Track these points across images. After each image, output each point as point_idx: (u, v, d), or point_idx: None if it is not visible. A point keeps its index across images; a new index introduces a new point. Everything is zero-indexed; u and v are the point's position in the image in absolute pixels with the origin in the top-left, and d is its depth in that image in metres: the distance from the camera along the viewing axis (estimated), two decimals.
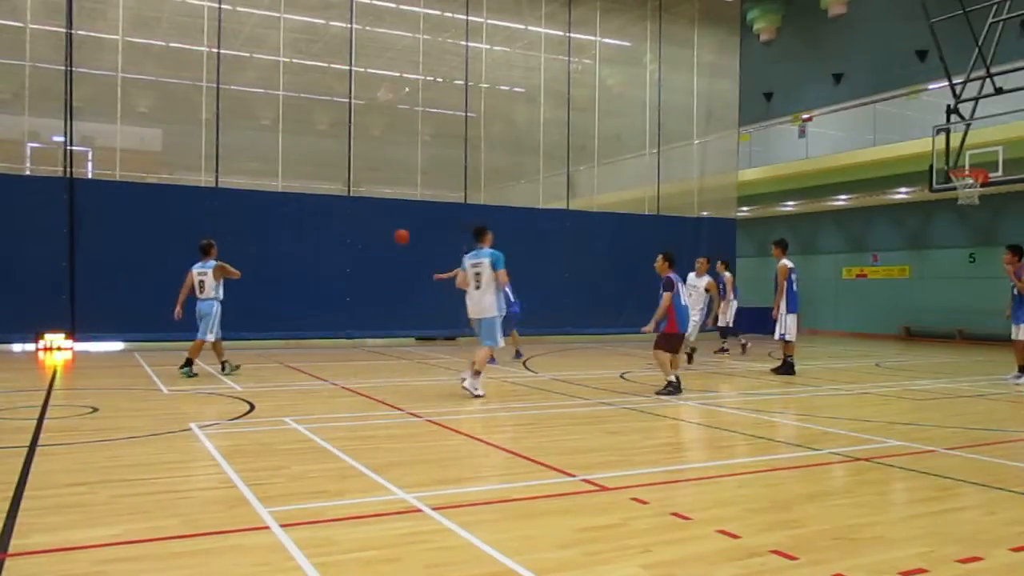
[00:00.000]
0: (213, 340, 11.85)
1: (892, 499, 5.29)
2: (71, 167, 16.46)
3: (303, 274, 17.47)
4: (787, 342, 12.81)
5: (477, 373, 9.66)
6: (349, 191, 19.09)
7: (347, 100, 19.05)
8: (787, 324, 12.69)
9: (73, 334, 16.04)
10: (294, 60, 19.48)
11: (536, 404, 9.41)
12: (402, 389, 10.57)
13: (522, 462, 6.03)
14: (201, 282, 11.77)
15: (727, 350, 16.88)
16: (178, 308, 11.73)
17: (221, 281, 11.85)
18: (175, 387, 10.33)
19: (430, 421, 7.83)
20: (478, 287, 9.89)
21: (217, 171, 17.75)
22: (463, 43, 20.54)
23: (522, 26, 21.98)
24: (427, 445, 6.76)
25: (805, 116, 23.57)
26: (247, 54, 19.13)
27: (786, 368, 12.80)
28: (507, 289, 14.69)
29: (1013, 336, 12.11)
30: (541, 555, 3.90)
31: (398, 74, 21.57)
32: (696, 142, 23.97)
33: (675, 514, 4.60)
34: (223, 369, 11.99)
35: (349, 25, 19.09)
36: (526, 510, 4.72)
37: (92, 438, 6.87)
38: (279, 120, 18.78)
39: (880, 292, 24.57)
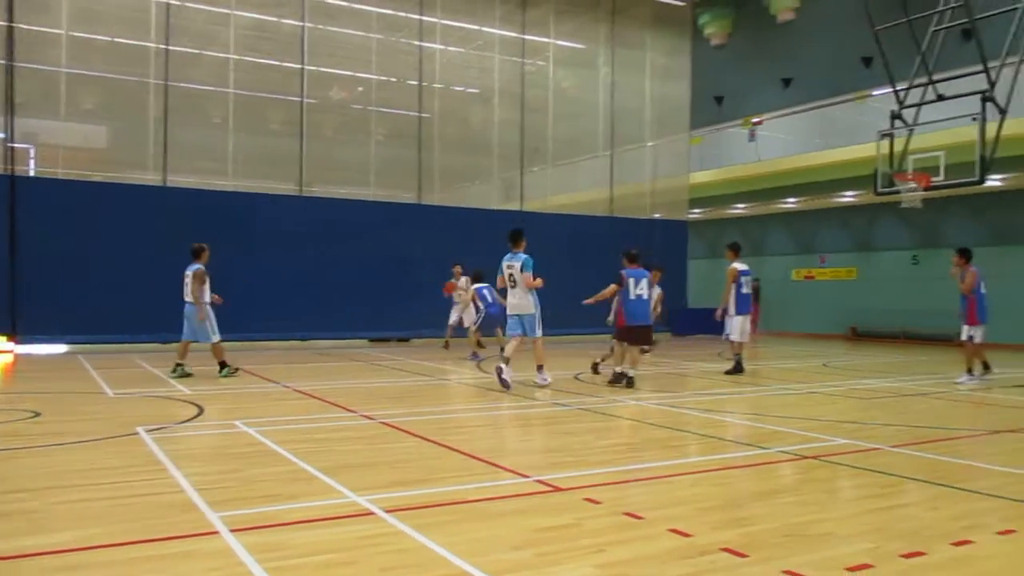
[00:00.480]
0: (214, 341, 11.69)
1: (839, 496, 5.40)
2: (12, 164, 16.02)
3: (254, 274, 17.23)
4: (734, 342, 13.03)
5: (540, 366, 10.83)
6: (301, 190, 18.90)
7: (299, 99, 18.85)
8: (734, 325, 12.92)
9: (14, 336, 15.61)
10: (245, 58, 19.21)
11: (490, 405, 9.42)
12: (355, 391, 10.48)
13: (476, 463, 6.03)
14: (186, 284, 11.70)
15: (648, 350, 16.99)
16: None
17: (204, 286, 11.63)
18: (121, 390, 10.11)
19: (384, 423, 7.78)
20: (514, 286, 10.89)
21: (165, 170, 17.43)
22: (417, 43, 20.47)
23: (476, 27, 21.98)
24: (381, 447, 6.72)
25: (755, 120, 23.94)
26: (197, 51, 18.79)
27: (735, 368, 12.99)
28: (485, 291, 14.86)
29: (962, 337, 12.41)
30: (495, 556, 3.90)
31: (351, 73, 21.39)
32: (649, 144, 24.22)
33: (628, 514, 4.63)
34: (220, 368, 11.74)
35: (301, 23, 18.89)
36: (480, 512, 4.71)
37: (35, 443, 6.69)
38: (230, 118, 18.51)
39: (828, 293, 25.08)
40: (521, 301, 10.86)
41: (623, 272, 11.06)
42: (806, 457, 6.39)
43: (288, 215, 18.07)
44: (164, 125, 17.41)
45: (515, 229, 11.20)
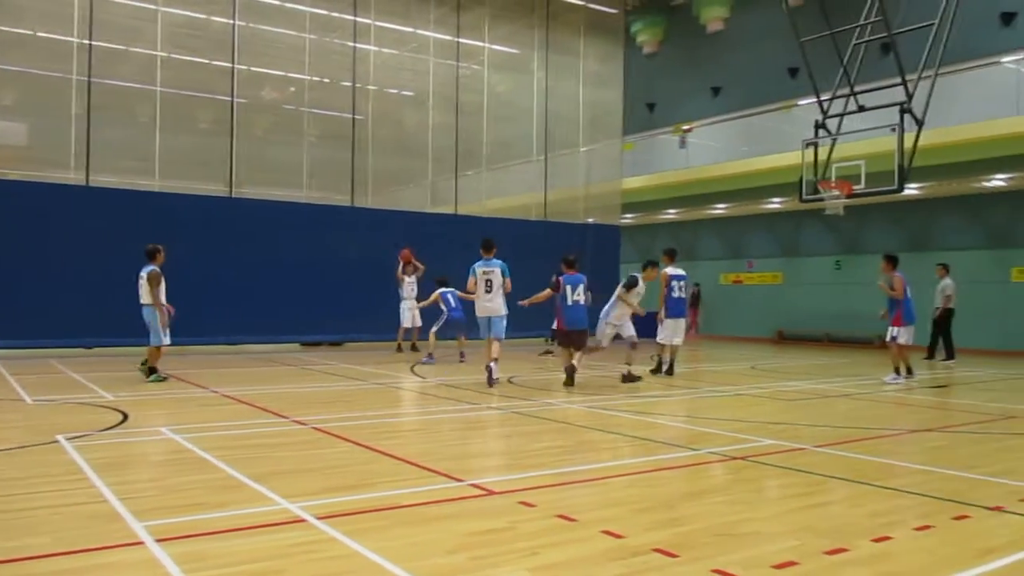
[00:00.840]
0: (162, 344, 11.45)
1: (766, 496, 5.53)
2: None
3: (182, 278, 16.71)
4: (663, 345, 13.36)
5: (496, 360, 11.41)
6: (231, 192, 18.51)
7: (230, 98, 18.48)
8: (664, 328, 13.24)
9: None
10: (173, 55, 18.73)
11: (424, 409, 9.38)
12: (287, 396, 10.31)
13: (409, 468, 6.00)
14: (140, 286, 11.45)
15: (552, 352, 17.24)
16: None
17: (160, 288, 11.37)
18: (40, 397, 9.75)
19: (316, 429, 7.68)
20: (489, 291, 11.66)
21: (88, 169, 16.87)
22: (351, 44, 20.27)
23: (411, 29, 21.88)
24: (312, 453, 6.63)
25: (686, 127, 24.39)
26: (122, 47, 18.25)
27: (657, 368, 13.44)
28: (450, 295, 14.93)
29: (887, 338, 13.05)
30: (429, 561, 3.89)
31: (283, 73, 21.06)
32: (582, 150, 24.44)
33: (562, 516, 4.67)
34: (149, 373, 11.45)
35: (232, 21, 18.53)
36: (413, 516, 4.69)
37: None
38: (156, 117, 18.01)
39: (756, 297, 25.69)
40: (497, 304, 11.70)
41: (560, 277, 11.46)
42: (735, 458, 6.54)
43: (217, 217, 17.68)
44: (87, 123, 16.85)
45: (487, 238, 12.08)
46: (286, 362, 15.49)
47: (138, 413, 8.50)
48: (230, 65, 18.50)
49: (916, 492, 5.41)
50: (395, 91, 22.38)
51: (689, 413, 9.46)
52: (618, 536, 4.29)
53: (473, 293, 11.96)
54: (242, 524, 4.43)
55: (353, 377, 12.79)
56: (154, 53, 18.20)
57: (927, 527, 4.58)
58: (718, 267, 27.28)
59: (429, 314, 15.90)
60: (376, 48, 21.32)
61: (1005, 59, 18.06)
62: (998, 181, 19.22)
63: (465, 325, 15.18)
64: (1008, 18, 19.34)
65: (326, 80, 20.83)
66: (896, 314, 12.86)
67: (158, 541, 4.09)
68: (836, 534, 4.42)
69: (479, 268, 11.73)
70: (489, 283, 11.64)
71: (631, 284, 12.02)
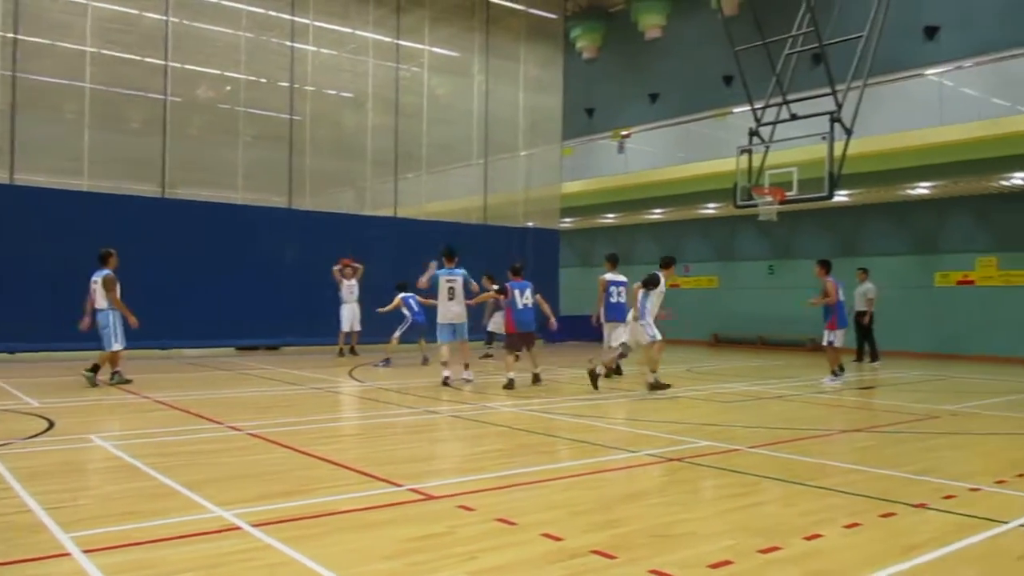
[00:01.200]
0: (115, 349, 11.35)
1: (702, 496, 5.63)
2: None
3: None
4: (610, 347, 13.49)
5: (467, 366, 12.28)
6: (164, 192, 18.08)
7: (163, 96, 18.06)
8: (604, 332, 13.53)
9: None
10: (103, 51, 18.21)
11: (363, 414, 9.29)
12: (222, 401, 10.11)
13: (347, 473, 5.94)
14: (94, 291, 11.29)
15: (492, 355, 17.34)
16: (85, 318, 11.37)
17: (116, 291, 11.27)
18: None
19: (251, 434, 7.54)
20: (452, 298, 12.16)
21: (12, 167, 16.29)
22: (288, 44, 20.00)
23: (350, 30, 21.69)
24: (248, 459, 6.51)
25: (624, 133, 24.68)
26: (49, 41, 17.67)
27: (610, 371, 13.61)
28: (412, 300, 15.13)
29: (824, 342, 13.38)
30: (366, 567, 3.85)
31: (218, 72, 20.64)
32: (522, 154, 24.54)
33: (501, 520, 4.67)
34: (90, 369, 11.29)
35: (165, 18, 18.11)
36: (351, 522, 4.64)
37: None
38: (85, 114, 17.49)
39: (692, 301, 26.08)
40: (461, 310, 12.24)
41: (508, 284, 12.03)
42: (671, 459, 6.63)
43: (149, 218, 17.24)
44: (11, 119, 16.28)
45: (449, 246, 12.51)
46: (221, 367, 15.19)
47: (65, 420, 8.23)
48: (163, 62, 18.09)
49: (845, 491, 5.57)
50: (334, 92, 22.14)
51: (627, 416, 9.56)
52: (557, 539, 4.32)
53: (433, 297, 12.58)
54: (174, 533, 4.33)
55: (290, 382, 12.60)
56: (83, 48, 17.68)
57: (856, 525, 4.71)
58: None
59: (392, 319, 15.70)
60: (314, 48, 21.06)
61: (928, 71, 18.74)
62: (922, 189, 19.91)
63: (427, 328, 15.14)
64: (931, 32, 20.05)
65: (263, 80, 20.51)
66: (832, 318, 13.23)
67: (86, 552, 3.97)
68: (769, 533, 4.52)
69: (443, 277, 12.22)
70: (452, 291, 12.17)
71: (653, 283, 11.78)
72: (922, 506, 5.18)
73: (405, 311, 15.43)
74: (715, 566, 3.93)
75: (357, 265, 17.53)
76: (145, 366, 14.84)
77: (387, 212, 21.52)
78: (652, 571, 3.84)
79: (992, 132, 16.35)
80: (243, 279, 18.14)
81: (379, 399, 10.56)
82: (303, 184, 20.36)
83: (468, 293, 13.57)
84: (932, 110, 17.60)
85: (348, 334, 17.53)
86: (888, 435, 8.22)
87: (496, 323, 17.17)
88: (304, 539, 4.25)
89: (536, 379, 12.04)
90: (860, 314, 17.43)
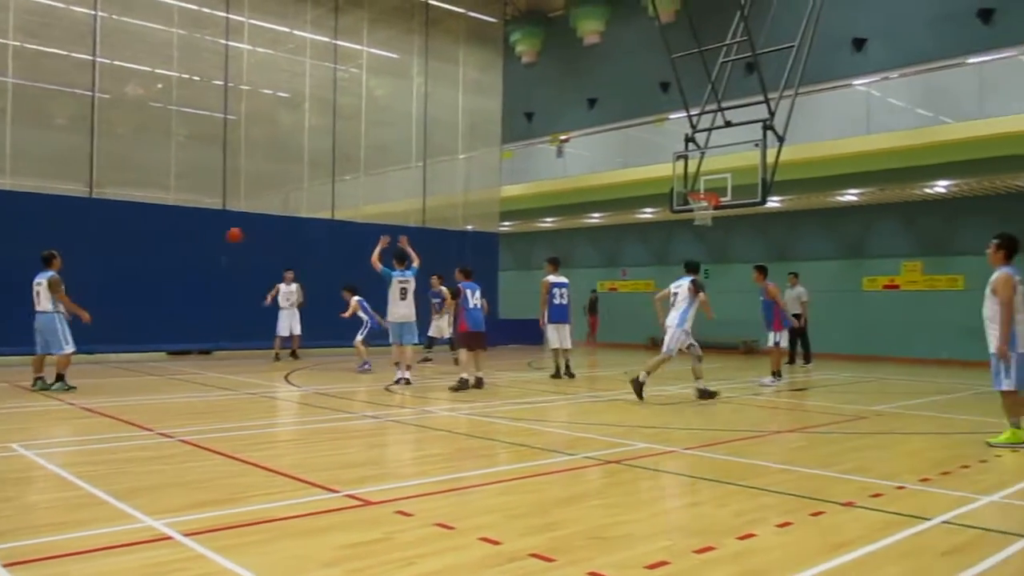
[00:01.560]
0: (66, 352, 11.11)
1: (639, 498, 5.69)
2: None
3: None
4: (554, 350, 13.95)
5: (410, 367, 12.66)
6: (91, 192, 17.54)
7: (90, 93, 17.52)
8: (546, 334, 13.85)
9: None
10: (26, 45, 17.60)
11: (299, 419, 9.15)
12: (152, 408, 9.85)
13: (283, 480, 5.84)
14: (37, 293, 11.00)
15: (431, 359, 17.38)
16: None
17: (62, 292, 11.02)
18: None
19: (184, 441, 7.36)
20: (404, 299, 12.58)
21: None
22: (223, 41, 19.61)
23: (287, 29, 21.38)
24: (180, 467, 6.35)
25: (563, 137, 24.86)
26: None
27: (551, 373, 13.98)
28: (365, 303, 15.21)
29: (771, 343, 13.71)
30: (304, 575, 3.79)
31: (150, 69, 20.11)
32: (461, 157, 24.52)
33: (439, 524, 4.65)
34: (55, 380, 11.13)
35: (93, 12, 17.57)
36: (287, 530, 4.56)
37: None
38: (7, 110, 16.85)
39: (630, 304, 26.38)
40: (411, 311, 12.65)
41: (460, 285, 12.39)
42: (609, 462, 6.69)
43: (75, 218, 16.69)
44: None
45: (400, 249, 12.86)
46: (151, 372, 14.79)
47: None
48: (91, 58, 17.55)
49: (778, 491, 5.69)
50: (270, 92, 21.79)
51: (566, 419, 9.62)
52: (495, 543, 4.31)
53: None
54: (102, 544, 4.19)
55: (224, 387, 12.34)
56: (4, 42, 17.05)
57: (788, 524, 4.81)
58: (594, 275, 27.88)
59: (352, 324, 15.40)
60: (250, 47, 20.71)
61: (857, 82, 19.32)
62: (851, 196, 20.51)
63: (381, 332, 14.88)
64: (860, 43, 20.69)
65: (196, 78, 20.07)
66: (776, 320, 13.54)
67: (7, 566, 3.81)
68: (704, 533, 4.59)
69: (396, 278, 12.63)
70: (404, 291, 12.61)
71: (703, 286, 11.93)
72: (850, 504, 5.32)
73: (363, 315, 15.22)
74: (652, 567, 3.97)
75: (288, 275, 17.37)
76: (71, 372, 14.35)
77: (324, 214, 21.25)
78: (590, 573, 3.86)
79: (917, 141, 16.96)
80: (174, 282, 17.71)
81: (316, 404, 10.42)
82: (238, 185, 19.98)
83: (440, 305, 14.57)
84: (860, 119, 18.18)
85: (287, 338, 17.26)
86: (819, 435, 8.43)
87: (438, 327, 17.11)
88: (239, 548, 4.17)
89: (479, 383, 12.08)
90: (795, 316, 17.85)
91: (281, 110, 22.28)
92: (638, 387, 10.93)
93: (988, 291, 7.44)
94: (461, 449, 7.46)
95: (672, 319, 11.68)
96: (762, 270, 13.95)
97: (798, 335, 18.02)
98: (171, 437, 7.57)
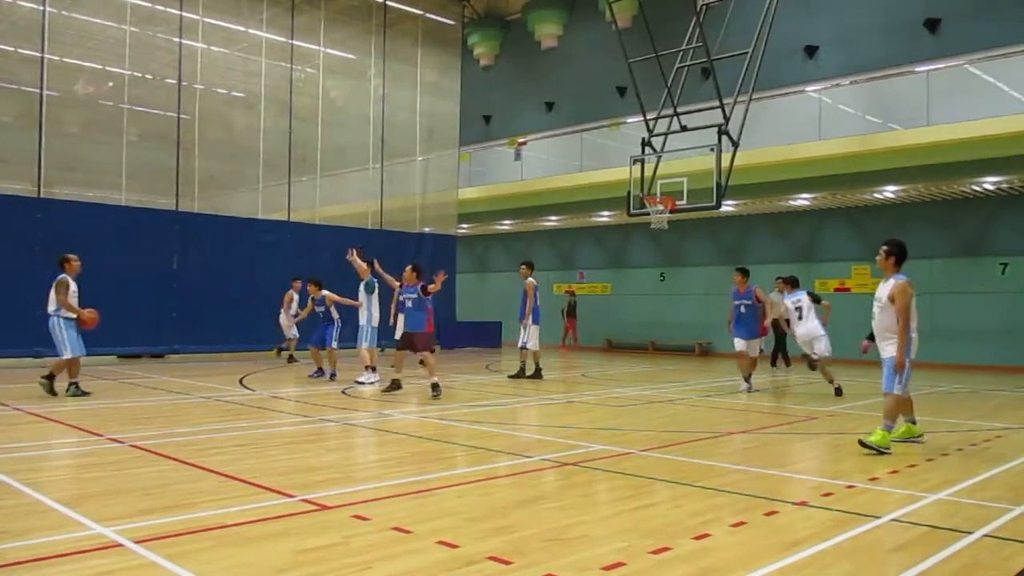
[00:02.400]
0: (67, 356, 10.82)
1: (595, 500, 5.72)
2: None
3: None
4: (532, 351, 14.22)
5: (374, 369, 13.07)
6: (40, 192, 17.12)
7: (38, 90, 17.11)
8: (531, 335, 14.16)
9: None
10: None
11: (254, 424, 9.03)
12: (102, 412, 9.64)
13: (237, 485, 5.76)
14: (47, 296, 10.86)
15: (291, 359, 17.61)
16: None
17: (66, 295, 10.86)
18: None
19: (135, 446, 7.22)
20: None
21: None
22: (176, 39, 19.29)
23: (242, 28, 21.12)
24: (130, 473, 6.22)
25: (521, 140, 24.91)
26: None
27: (531, 374, 14.27)
28: (334, 308, 14.44)
29: (737, 348, 13.29)
30: None
31: (100, 66, 19.70)
32: (419, 159, 24.43)
33: (396, 528, 4.63)
34: (67, 389, 10.93)
35: (41, 7, 17.17)
36: (241, 536, 4.50)
37: None
38: None
39: (586, 307, 26.54)
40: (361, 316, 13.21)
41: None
42: (566, 464, 6.72)
43: (23, 219, 16.30)
44: None
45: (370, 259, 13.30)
46: (102, 376, 14.47)
47: None
48: (38, 54, 17.14)
49: (732, 491, 5.76)
50: (224, 91, 21.48)
51: (523, 421, 9.63)
52: (452, 546, 4.31)
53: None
54: (49, 552, 4.10)
55: (177, 391, 12.14)
56: None
57: (742, 523, 4.88)
58: (551, 278, 27.97)
59: (309, 325, 15.03)
60: (204, 46, 20.41)
61: (809, 88, 19.68)
62: (803, 200, 20.87)
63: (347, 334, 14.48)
64: (812, 51, 21.08)
65: (148, 76, 19.72)
66: (763, 325, 13.23)
67: None
68: (660, 534, 4.63)
69: (364, 289, 13.26)
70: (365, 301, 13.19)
71: (818, 296, 13.03)
72: (803, 504, 5.42)
73: (334, 312, 14.13)
74: (609, 568, 4.00)
75: None
76: (19, 375, 14.00)
77: (280, 216, 21.01)
78: (547, 575, 3.87)
79: (866, 147, 17.33)
80: (125, 284, 17.35)
81: (272, 408, 10.30)
82: (191, 186, 19.65)
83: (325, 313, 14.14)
84: (812, 125, 18.53)
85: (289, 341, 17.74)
86: (772, 436, 8.56)
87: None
88: (191, 555, 4.10)
89: (392, 385, 11.94)
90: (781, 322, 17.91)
91: (236, 110, 21.96)
92: (838, 390, 12.24)
93: (884, 300, 7.44)
94: (419, 452, 7.44)
95: (814, 328, 12.49)
96: (744, 273, 13.37)
97: (781, 340, 18.00)
98: (121, 442, 7.43)
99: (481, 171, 25.74)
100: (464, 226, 26.92)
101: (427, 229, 24.05)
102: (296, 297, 17.55)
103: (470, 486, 5.88)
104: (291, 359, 17.53)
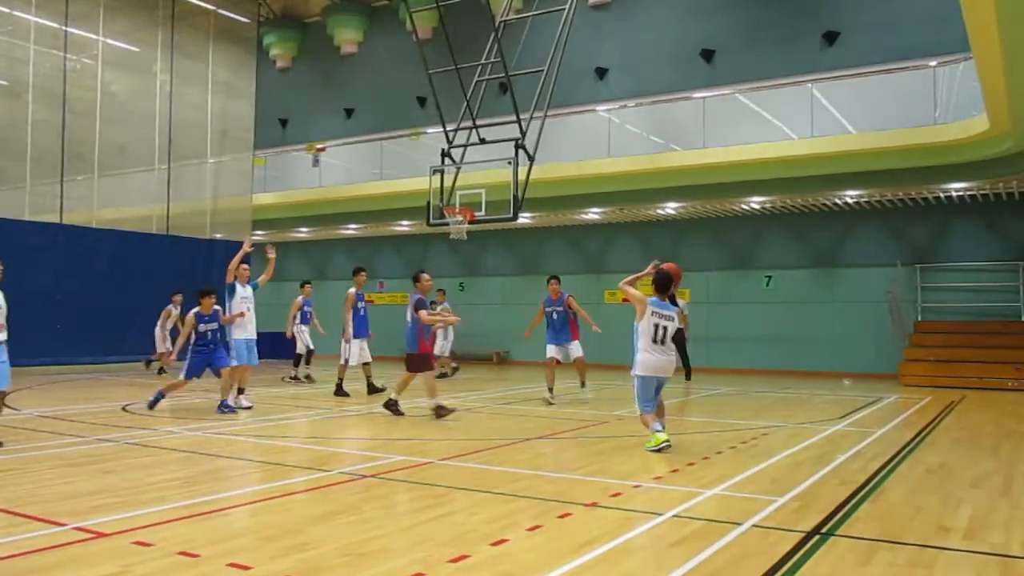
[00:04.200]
0: None
1: (394, 511, 5.68)
2: None
3: None
4: (346, 365, 14.30)
5: (242, 390, 11.85)
6: None
7: None
8: (352, 348, 14.41)
9: None
10: None
11: (19, 446, 8.19)
12: None
13: None
14: None
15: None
16: None
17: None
18: None
19: None
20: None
21: None
22: None
23: (6, 9, 19.20)
24: None
25: (319, 146, 24.38)
26: None
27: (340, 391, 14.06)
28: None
29: (548, 356, 13.33)
30: None
31: None
32: (210, 161, 23.28)
33: (183, 553, 4.37)
34: None
35: None
36: (2, 572, 4.07)
37: None
38: None
39: (386, 317, 26.31)
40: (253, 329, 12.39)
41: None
42: (365, 476, 6.63)
43: None
44: None
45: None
46: None
47: None
48: None
49: (527, 496, 5.93)
50: None
51: (320, 434, 9.41)
52: (245, 567, 4.13)
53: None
54: None
55: None
56: None
57: (538, 527, 5.03)
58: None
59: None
60: None
61: (599, 108, 20.73)
62: (593, 214, 21.90)
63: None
64: (602, 73, 22.21)
65: None
66: (572, 330, 13.43)
67: None
68: (458, 542, 4.68)
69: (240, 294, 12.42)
70: (249, 309, 12.41)
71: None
72: (594, 505, 5.67)
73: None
74: None
75: None
76: None
77: (51, 218, 19.23)
78: None
79: (650, 166, 18.52)
80: None
81: (39, 428, 9.39)
82: None
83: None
84: (602, 143, 19.55)
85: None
86: (565, 441, 8.90)
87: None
88: None
89: (436, 411, 10.64)
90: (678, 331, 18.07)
91: None
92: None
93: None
94: (206, 471, 7.06)
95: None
96: (559, 281, 13.79)
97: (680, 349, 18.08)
98: None
99: (277, 176, 24.93)
100: (259, 233, 25.88)
101: (218, 235, 22.92)
102: (175, 312, 17.09)
103: (264, 504, 5.66)
104: (161, 371, 17.02)
